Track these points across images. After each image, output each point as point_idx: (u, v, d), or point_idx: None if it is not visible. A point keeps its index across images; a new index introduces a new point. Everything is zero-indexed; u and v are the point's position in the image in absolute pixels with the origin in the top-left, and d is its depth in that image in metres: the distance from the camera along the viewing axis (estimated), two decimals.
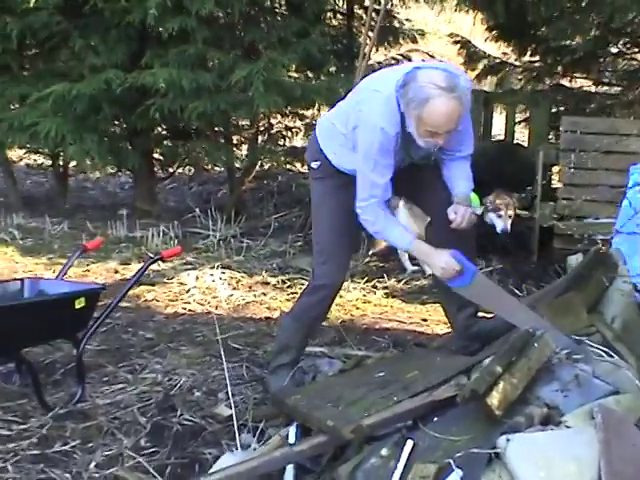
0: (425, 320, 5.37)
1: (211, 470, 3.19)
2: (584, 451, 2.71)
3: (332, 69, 7.84)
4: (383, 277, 6.32)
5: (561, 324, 3.44)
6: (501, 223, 6.07)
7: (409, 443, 2.95)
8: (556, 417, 2.92)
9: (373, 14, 7.26)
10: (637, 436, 2.84)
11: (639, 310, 3.72)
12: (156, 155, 8.92)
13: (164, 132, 8.83)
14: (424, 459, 2.87)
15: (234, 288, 6.14)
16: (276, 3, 7.97)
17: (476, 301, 3.62)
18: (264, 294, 5.97)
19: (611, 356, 3.29)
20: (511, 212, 6.10)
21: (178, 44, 7.31)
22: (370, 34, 7.14)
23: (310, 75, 8.24)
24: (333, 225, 3.77)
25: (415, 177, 3.73)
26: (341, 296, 5.84)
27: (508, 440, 2.72)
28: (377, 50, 8.55)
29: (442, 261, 3.49)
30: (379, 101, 3.43)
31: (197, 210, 8.07)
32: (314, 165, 3.82)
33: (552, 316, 3.46)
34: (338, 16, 8.69)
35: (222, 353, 4.13)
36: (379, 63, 8.16)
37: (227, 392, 4.04)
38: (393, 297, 5.96)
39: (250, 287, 6.18)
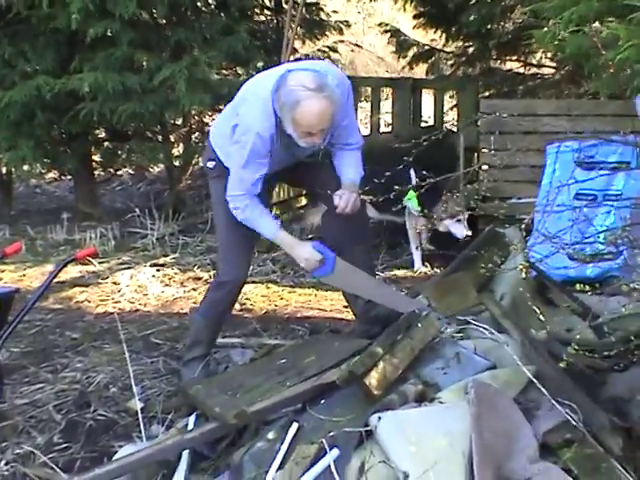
0: (346, 307, 5.44)
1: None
2: (456, 425, 2.79)
3: (260, 64, 7.88)
4: None
5: (447, 303, 3.55)
6: (461, 228, 5.96)
7: (294, 426, 3.04)
8: (430, 394, 3.01)
9: (297, 7, 7.31)
10: (511, 409, 2.92)
11: (528, 286, 3.81)
12: (97, 158, 8.92)
13: (102, 135, 8.81)
14: (307, 440, 2.96)
15: (166, 285, 6.22)
16: (202, 2, 7.97)
17: (342, 287, 3.71)
18: (194, 289, 6.05)
19: (493, 333, 3.39)
20: (466, 215, 5.90)
21: (105, 47, 7.33)
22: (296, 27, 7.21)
23: (240, 72, 8.29)
24: (230, 224, 3.85)
25: (305, 170, 3.82)
26: (268, 287, 5.96)
27: (380, 418, 2.81)
28: (304, 43, 8.63)
29: (305, 252, 3.60)
30: (255, 104, 3.54)
31: (137, 210, 8.09)
32: (210, 165, 3.92)
33: (438, 296, 3.56)
34: (265, 11, 8.72)
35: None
36: (306, 56, 8.22)
37: (142, 387, 4.14)
38: (320, 285, 6.03)
39: (182, 283, 6.26)
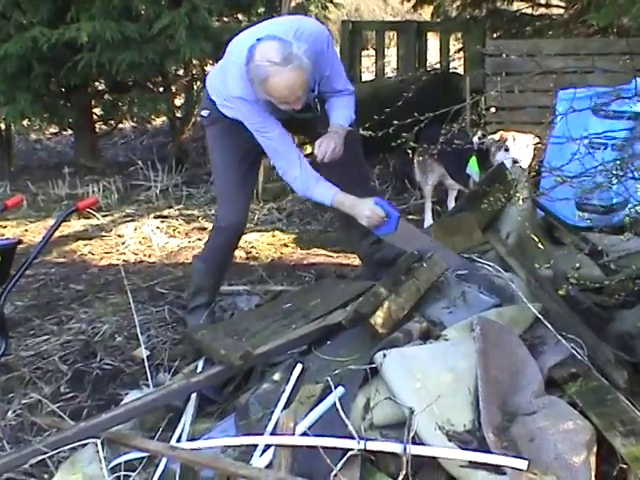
0: (353, 253, 5.48)
1: None
2: (461, 362, 2.84)
3: (261, 10, 7.83)
4: (318, 215, 6.46)
5: (452, 243, 3.58)
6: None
7: (298, 367, 3.10)
8: (435, 331, 3.05)
9: None
10: (517, 345, 2.97)
11: (534, 225, 3.85)
12: (97, 110, 8.92)
13: (102, 87, 8.80)
14: (312, 381, 3.02)
15: (170, 236, 6.27)
16: None
17: (402, 247, 3.66)
18: (199, 239, 6.09)
19: (499, 271, 3.42)
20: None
21: None
22: None
23: (241, 18, 8.25)
24: (226, 167, 3.89)
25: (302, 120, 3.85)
26: (274, 235, 6.00)
27: (385, 355, 2.85)
28: None
29: (367, 209, 3.58)
30: (234, 72, 3.56)
31: (140, 163, 8.11)
32: (204, 113, 3.95)
33: (443, 236, 3.59)
34: None
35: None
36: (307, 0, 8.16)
37: (147, 335, 4.21)
38: (326, 232, 6.07)
39: (186, 234, 6.32)
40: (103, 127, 9.38)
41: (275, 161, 3.71)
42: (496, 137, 5.20)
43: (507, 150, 5.06)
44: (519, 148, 5.05)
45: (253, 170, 4.01)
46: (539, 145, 5.43)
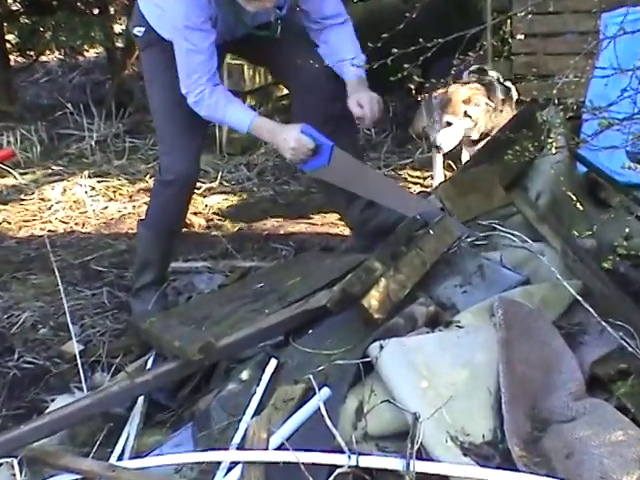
0: (340, 219, 5.49)
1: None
2: (479, 355, 2.85)
3: None
4: (297, 172, 6.41)
5: (467, 205, 3.59)
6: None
7: (272, 362, 3.11)
8: (445, 316, 3.07)
9: None
10: (550, 334, 2.99)
11: (573, 182, 3.85)
12: (11, 37, 8.85)
13: (16, 6, 8.72)
14: (290, 380, 3.03)
15: (110, 199, 6.29)
16: None
17: (339, 184, 3.72)
18: (146, 204, 6.06)
19: (527, 241, 3.43)
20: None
21: None
22: None
23: None
24: (170, 105, 3.91)
25: (267, 47, 3.85)
26: (242, 198, 6.00)
27: (382, 347, 2.84)
28: None
29: (291, 139, 3.62)
30: None
31: (70, 106, 8.06)
32: (137, 32, 3.94)
33: (455, 195, 3.60)
34: None
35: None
36: None
37: (80, 325, 4.22)
38: (308, 194, 6.08)
39: (130, 197, 6.33)
40: (20, 59, 9.30)
41: (181, 74, 3.71)
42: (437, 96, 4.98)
43: (450, 125, 4.96)
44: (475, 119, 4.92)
45: None
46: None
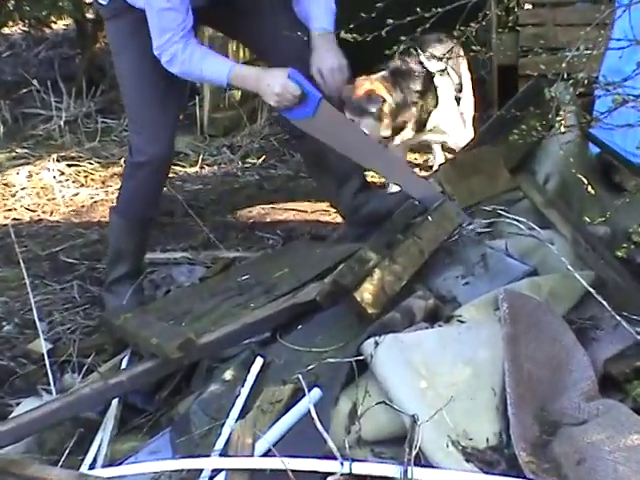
0: (332, 205, 5.49)
1: None
2: (482, 352, 2.85)
3: None
4: (286, 155, 6.45)
5: (469, 188, 3.58)
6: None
7: (258, 361, 3.10)
8: (446, 310, 3.07)
9: None
10: (560, 329, 2.98)
11: (585, 164, 3.84)
12: None
13: None
14: (278, 380, 3.02)
15: (81, 185, 6.27)
16: None
17: (323, 139, 3.69)
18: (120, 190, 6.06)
19: (534, 228, 3.42)
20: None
21: None
22: None
23: None
24: (140, 79, 3.90)
25: (256, 22, 3.86)
26: (225, 183, 6.00)
27: (377, 343, 2.83)
28: None
29: (277, 84, 3.58)
30: None
31: (36, 83, 8.03)
32: (102, 0, 3.90)
33: (456, 178, 3.59)
34: None
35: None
36: None
37: (49, 322, 4.21)
38: (297, 179, 6.07)
39: (103, 182, 6.31)
40: None
41: (153, 35, 3.68)
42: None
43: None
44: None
45: (179, 81, 3.94)
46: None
